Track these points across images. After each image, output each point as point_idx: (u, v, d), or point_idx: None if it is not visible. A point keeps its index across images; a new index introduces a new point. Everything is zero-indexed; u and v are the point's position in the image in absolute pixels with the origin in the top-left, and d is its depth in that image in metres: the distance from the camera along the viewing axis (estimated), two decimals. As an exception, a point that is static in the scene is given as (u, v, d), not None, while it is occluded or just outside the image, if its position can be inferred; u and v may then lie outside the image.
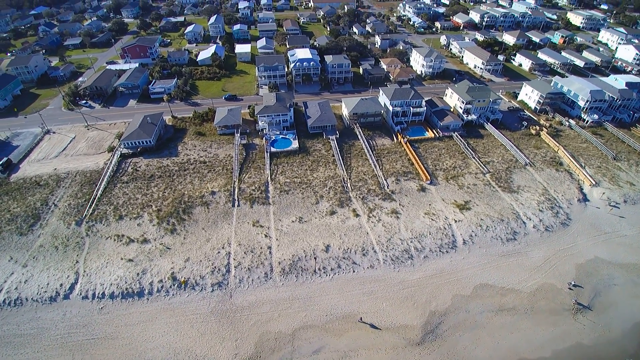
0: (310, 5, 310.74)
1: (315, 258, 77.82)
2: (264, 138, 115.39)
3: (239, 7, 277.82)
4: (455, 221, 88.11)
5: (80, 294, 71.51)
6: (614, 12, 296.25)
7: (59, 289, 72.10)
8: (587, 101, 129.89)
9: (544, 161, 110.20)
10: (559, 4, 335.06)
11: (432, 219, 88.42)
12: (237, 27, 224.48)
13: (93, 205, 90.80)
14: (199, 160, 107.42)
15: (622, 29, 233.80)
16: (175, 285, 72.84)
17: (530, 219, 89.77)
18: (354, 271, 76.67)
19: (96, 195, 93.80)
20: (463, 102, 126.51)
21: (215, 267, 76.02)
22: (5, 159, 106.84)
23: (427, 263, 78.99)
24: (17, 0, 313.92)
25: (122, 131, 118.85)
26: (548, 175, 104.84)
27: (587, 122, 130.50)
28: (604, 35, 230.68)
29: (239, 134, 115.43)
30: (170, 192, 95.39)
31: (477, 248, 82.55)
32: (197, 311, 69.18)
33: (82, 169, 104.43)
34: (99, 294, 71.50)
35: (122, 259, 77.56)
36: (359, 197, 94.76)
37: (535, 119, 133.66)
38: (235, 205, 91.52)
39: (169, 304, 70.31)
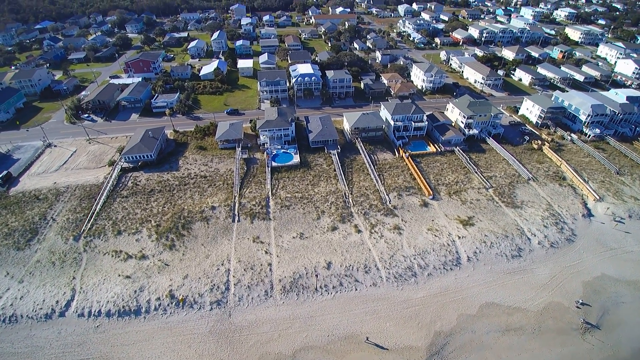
0: (311, 22, 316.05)
1: (316, 275, 76.25)
2: (265, 152, 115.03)
3: (241, 23, 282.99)
4: (459, 237, 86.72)
5: (76, 311, 69.95)
6: (612, 27, 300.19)
7: (54, 306, 70.61)
8: (589, 115, 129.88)
9: (546, 176, 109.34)
10: (557, 20, 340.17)
11: (435, 235, 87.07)
12: (239, 42, 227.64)
13: (92, 220, 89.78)
14: (199, 175, 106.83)
15: (620, 44, 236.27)
16: (173, 303, 71.17)
17: (535, 235, 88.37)
18: (356, 289, 74.94)
19: (95, 209, 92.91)
20: (464, 117, 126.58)
21: (214, 284, 74.41)
22: (5, 172, 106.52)
23: (431, 281, 77.26)
24: (22, 15, 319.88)
25: (123, 145, 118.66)
26: (551, 190, 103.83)
27: (589, 137, 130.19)
28: (603, 50, 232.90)
29: (240, 148, 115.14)
30: (170, 207, 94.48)
31: (481, 265, 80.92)
32: (195, 331, 67.34)
33: (82, 183, 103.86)
34: (95, 311, 69.89)
35: (119, 275, 76.13)
36: (361, 212, 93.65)
37: (537, 133, 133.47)
38: (236, 221, 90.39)
39: (167, 323, 68.51)
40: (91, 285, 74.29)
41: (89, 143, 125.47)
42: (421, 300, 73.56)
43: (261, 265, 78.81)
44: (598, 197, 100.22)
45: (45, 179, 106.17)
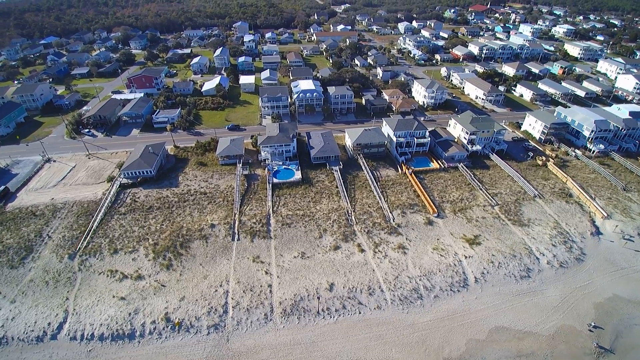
0: (313, 39, 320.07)
1: (318, 298, 73.37)
2: (267, 169, 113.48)
3: (244, 40, 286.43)
4: (466, 257, 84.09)
5: (69, 334, 67.27)
6: (611, 42, 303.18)
7: (46, 328, 68.01)
8: (593, 131, 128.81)
9: (553, 192, 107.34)
10: (555, 36, 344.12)
11: (441, 255, 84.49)
12: (242, 59, 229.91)
13: (88, 238, 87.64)
14: (199, 191, 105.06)
15: (620, 59, 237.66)
16: (169, 327, 68.27)
17: (543, 255, 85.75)
18: (360, 312, 71.95)
19: (92, 227, 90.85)
20: (467, 133, 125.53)
21: (212, 307, 71.56)
22: (2, 187, 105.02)
23: (438, 303, 74.27)
24: (28, 30, 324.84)
25: (123, 160, 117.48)
26: (558, 207, 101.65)
27: (593, 152, 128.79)
28: (603, 65, 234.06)
29: (241, 165, 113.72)
30: (168, 224, 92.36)
31: (489, 286, 78.04)
32: (191, 357, 64.22)
33: (79, 199, 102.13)
34: (87, 335, 67.13)
35: (114, 296, 73.52)
36: (364, 230, 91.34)
37: (541, 149, 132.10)
38: (235, 239, 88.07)
39: (161, 348, 65.46)
40: (85, 306, 71.66)
41: (89, 158, 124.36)
42: (428, 324, 70.50)
43: (261, 286, 76.10)
44: (606, 215, 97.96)
45: (43, 195, 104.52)
